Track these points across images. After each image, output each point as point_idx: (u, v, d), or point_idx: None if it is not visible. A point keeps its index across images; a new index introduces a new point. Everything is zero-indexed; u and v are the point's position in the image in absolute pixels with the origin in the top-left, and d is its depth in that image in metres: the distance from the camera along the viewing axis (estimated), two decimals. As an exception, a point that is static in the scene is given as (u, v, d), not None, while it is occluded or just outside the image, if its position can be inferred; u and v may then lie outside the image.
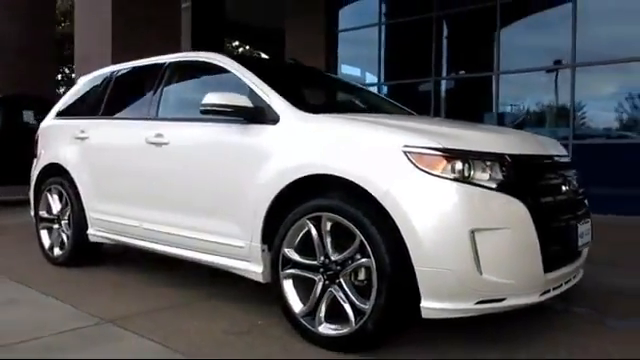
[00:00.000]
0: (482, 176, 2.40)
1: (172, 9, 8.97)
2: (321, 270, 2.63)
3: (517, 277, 2.41)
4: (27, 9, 12.61)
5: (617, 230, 5.70)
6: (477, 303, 2.36)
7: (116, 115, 4.20)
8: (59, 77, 24.13)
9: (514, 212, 2.41)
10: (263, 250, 2.90)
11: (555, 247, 2.56)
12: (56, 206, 4.40)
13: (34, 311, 3.21)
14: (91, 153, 4.14)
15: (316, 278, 2.64)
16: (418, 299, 2.37)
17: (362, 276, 2.54)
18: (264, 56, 20.37)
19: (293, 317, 2.72)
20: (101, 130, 4.17)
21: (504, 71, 8.94)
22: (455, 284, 2.31)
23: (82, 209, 4.13)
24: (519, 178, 2.48)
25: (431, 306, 2.35)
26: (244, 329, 2.86)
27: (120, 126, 4.03)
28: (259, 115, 3.00)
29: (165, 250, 3.53)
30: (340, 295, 2.56)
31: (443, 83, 10.21)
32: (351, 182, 2.52)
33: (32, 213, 4.72)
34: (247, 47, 25.44)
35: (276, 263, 2.79)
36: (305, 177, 2.69)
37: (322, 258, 2.63)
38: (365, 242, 2.45)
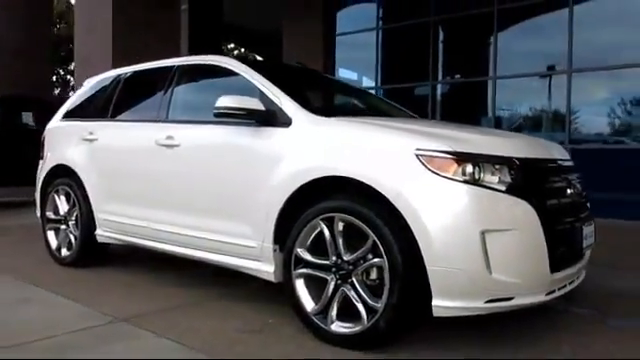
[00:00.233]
0: (492, 179, 2.47)
1: (171, 12, 9.01)
2: (333, 270, 2.69)
3: (525, 277, 2.48)
4: (24, 10, 12.56)
5: (616, 233, 5.77)
6: (486, 302, 2.43)
7: (125, 117, 4.23)
8: (54, 78, 24.03)
9: (522, 214, 2.48)
10: (275, 250, 2.95)
11: (561, 248, 2.63)
12: (63, 207, 4.43)
13: (45, 310, 3.21)
14: (100, 155, 4.17)
15: (328, 277, 2.70)
16: (429, 298, 2.43)
17: (374, 275, 2.61)
18: (259, 59, 20.39)
19: (305, 316, 2.77)
20: (110, 132, 4.20)
21: (501, 76, 9.03)
22: (466, 283, 2.37)
23: (90, 210, 4.16)
24: (527, 181, 2.55)
25: (442, 304, 2.42)
26: (256, 328, 2.91)
27: (130, 128, 4.06)
28: (271, 118, 3.06)
29: (175, 250, 3.57)
30: (352, 294, 2.61)
31: (440, 87, 10.28)
32: (363, 184, 2.58)
33: (38, 214, 4.74)
34: (243, 50, 25.48)
35: (288, 263, 2.84)
36: (317, 179, 2.75)
37: (334, 258, 2.68)
38: (378, 242, 2.51)
